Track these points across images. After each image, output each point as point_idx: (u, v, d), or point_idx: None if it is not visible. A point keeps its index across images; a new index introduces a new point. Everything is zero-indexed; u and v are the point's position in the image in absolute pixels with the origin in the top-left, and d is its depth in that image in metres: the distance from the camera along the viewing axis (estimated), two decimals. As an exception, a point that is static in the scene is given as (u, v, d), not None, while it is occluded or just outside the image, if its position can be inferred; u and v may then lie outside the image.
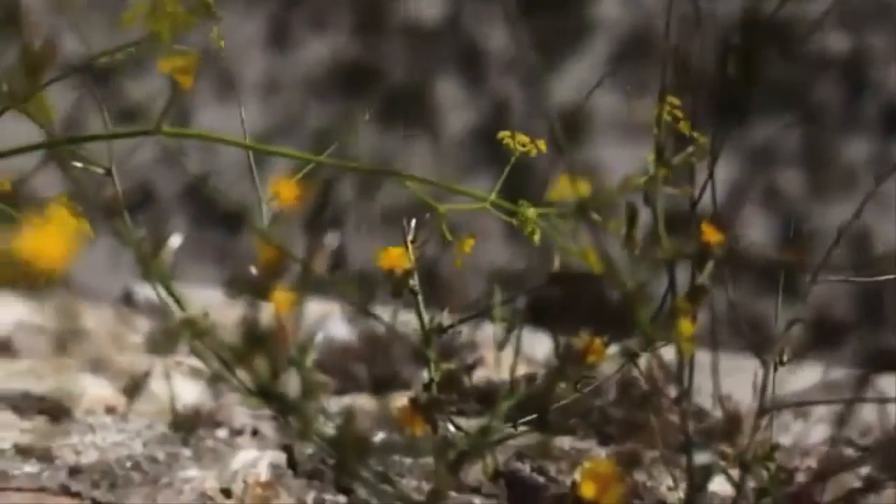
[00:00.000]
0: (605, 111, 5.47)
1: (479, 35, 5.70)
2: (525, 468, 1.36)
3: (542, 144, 1.12)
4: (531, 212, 1.07)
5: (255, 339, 0.91)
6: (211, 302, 1.74)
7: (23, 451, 1.45)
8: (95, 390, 1.67)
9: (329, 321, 1.72)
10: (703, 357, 1.13)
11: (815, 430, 1.19)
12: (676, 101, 1.06)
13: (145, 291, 2.10)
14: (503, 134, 1.14)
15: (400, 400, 1.09)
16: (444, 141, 5.61)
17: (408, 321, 1.17)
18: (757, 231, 5.03)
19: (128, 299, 2.13)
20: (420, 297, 1.09)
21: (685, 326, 0.95)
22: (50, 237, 0.76)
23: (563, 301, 1.08)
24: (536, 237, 1.08)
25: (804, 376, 1.68)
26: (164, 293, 0.99)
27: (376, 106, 5.65)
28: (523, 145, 1.14)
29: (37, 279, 0.76)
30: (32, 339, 1.90)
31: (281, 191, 0.92)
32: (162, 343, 0.92)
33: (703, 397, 1.18)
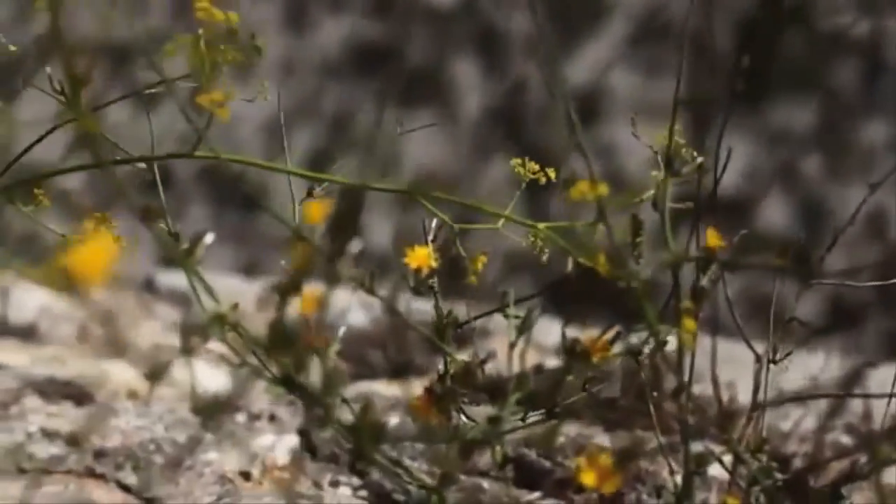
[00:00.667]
0: (621, 92, 5.49)
1: (497, 16, 5.72)
2: (532, 453, 1.40)
3: (552, 172, 1.15)
4: (542, 227, 1.11)
5: (284, 337, 0.95)
6: (232, 288, 1.79)
7: (50, 435, 1.49)
8: (118, 375, 1.71)
9: (346, 309, 1.76)
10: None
11: (814, 417, 1.23)
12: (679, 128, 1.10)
13: (167, 278, 2.15)
14: (514, 161, 1.17)
15: (415, 387, 1.13)
16: (462, 122, 5.64)
17: (425, 310, 1.21)
18: (775, 213, 5.04)
19: (149, 286, 2.17)
20: (438, 295, 1.13)
21: (688, 324, 0.99)
22: (93, 254, 0.81)
23: (579, 292, 1.12)
24: (545, 256, 1.12)
25: (812, 362, 1.71)
26: (197, 288, 1.03)
27: (393, 87, 5.67)
28: (533, 173, 1.17)
29: (80, 288, 0.81)
30: (56, 325, 1.94)
31: (311, 210, 0.97)
32: (195, 337, 0.97)
33: (710, 384, 1.22)
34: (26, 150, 1.25)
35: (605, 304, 1.07)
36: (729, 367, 1.22)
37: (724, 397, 1.08)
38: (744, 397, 1.13)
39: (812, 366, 1.52)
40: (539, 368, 1.04)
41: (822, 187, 5.09)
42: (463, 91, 5.68)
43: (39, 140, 1.22)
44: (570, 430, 1.46)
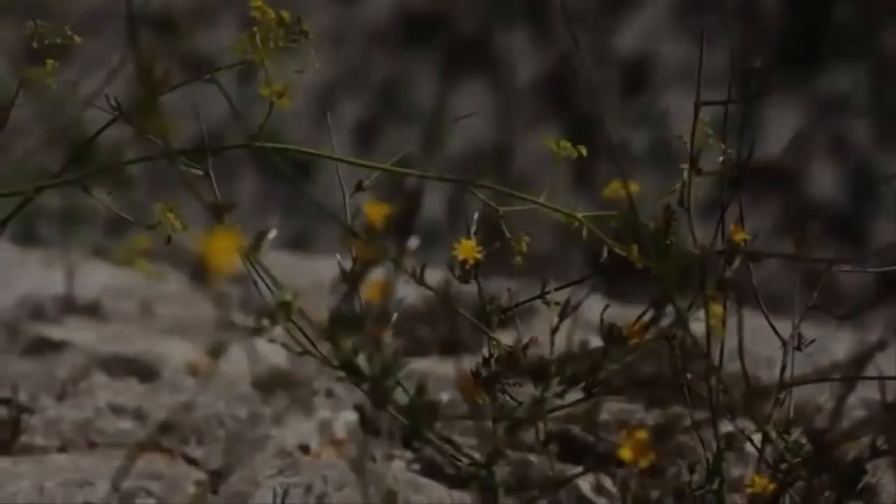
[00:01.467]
0: (669, 60, 5.51)
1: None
2: (576, 428, 1.46)
3: (583, 149, 1.19)
4: (583, 216, 1.16)
5: (349, 324, 1.01)
6: (287, 266, 1.85)
7: (117, 410, 1.56)
8: (179, 352, 1.78)
9: (400, 292, 1.81)
10: (755, 322, 1.21)
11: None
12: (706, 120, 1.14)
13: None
14: (548, 140, 1.21)
15: (465, 364, 1.18)
16: (511, 90, 5.67)
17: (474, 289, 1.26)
18: (824, 180, 5.06)
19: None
20: (481, 283, 1.18)
21: (716, 310, 1.05)
22: (222, 244, 0.87)
23: (620, 268, 1.17)
24: (584, 234, 1.16)
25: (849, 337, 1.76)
26: (267, 280, 1.09)
27: (442, 56, 5.70)
28: (566, 149, 1.21)
29: (210, 276, 0.88)
30: (119, 302, 2.01)
31: (370, 211, 1.02)
32: (264, 320, 1.03)
33: (753, 361, 1.26)
34: (94, 137, 1.30)
35: (647, 279, 1.13)
36: (767, 343, 1.27)
37: (760, 375, 1.13)
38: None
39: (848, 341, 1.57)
40: (584, 346, 1.09)
41: (870, 154, 5.10)
42: (512, 60, 5.71)
43: (101, 130, 1.27)
44: (612, 407, 1.51)
